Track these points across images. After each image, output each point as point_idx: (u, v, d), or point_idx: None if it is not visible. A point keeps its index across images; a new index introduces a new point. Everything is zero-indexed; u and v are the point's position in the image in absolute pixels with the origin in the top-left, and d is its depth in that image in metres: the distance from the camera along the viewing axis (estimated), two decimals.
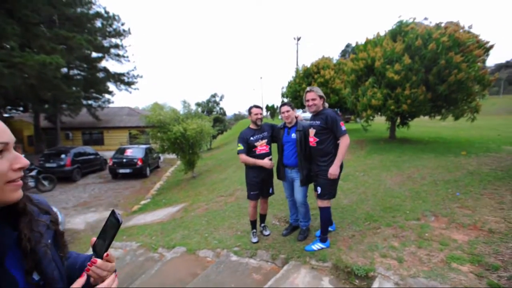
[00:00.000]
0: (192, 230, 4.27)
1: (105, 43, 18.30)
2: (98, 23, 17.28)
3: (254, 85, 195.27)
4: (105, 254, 0.70)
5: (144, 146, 12.34)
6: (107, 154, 14.61)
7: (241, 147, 3.11)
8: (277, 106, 34.23)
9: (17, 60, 10.49)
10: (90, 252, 0.80)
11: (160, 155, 13.75)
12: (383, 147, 7.25)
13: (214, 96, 29.39)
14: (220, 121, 25.36)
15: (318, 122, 2.76)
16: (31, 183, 8.54)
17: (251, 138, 3.12)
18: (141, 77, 21.28)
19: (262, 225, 3.52)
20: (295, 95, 13.54)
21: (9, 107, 18.74)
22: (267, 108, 36.83)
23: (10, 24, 10.66)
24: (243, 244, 3.33)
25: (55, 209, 4.81)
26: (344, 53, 52.36)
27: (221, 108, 29.77)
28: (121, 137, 22.36)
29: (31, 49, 12.59)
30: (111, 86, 20.66)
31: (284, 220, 3.85)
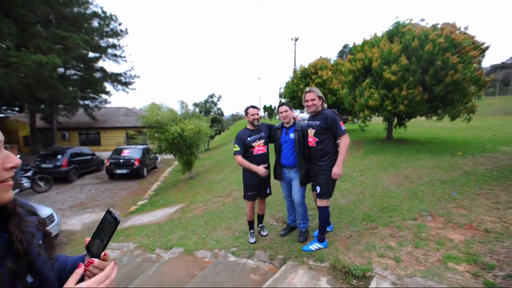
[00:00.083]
0: (189, 230, 4.25)
1: (102, 43, 18.20)
2: (95, 23, 17.18)
3: (251, 86, 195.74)
4: (102, 254, 0.68)
5: (142, 147, 12.30)
6: (104, 154, 14.54)
7: (237, 148, 3.10)
8: (274, 107, 34.28)
9: (13, 60, 10.40)
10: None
11: (157, 155, 13.71)
12: (380, 147, 7.29)
13: (211, 96, 29.39)
14: (218, 122, 25.36)
15: (317, 122, 2.77)
16: (27, 184, 8.47)
17: (248, 139, 3.11)
18: (139, 77, 21.19)
19: (260, 225, 3.52)
20: (292, 96, 13.57)
21: (4, 107, 18.58)
22: (265, 108, 36.85)
23: (6, 23, 10.57)
24: (241, 244, 3.33)
25: (51, 210, 4.73)
26: (341, 54, 52.58)
27: (218, 109, 29.77)
28: (118, 138, 22.22)
29: (28, 49, 12.47)
30: (108, 86, 20.55)
31: (282, 220, 3.85)
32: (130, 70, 20.80)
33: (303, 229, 3.18)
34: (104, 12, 17.11)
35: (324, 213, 2.83)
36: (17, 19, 11.67)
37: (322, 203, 2.81)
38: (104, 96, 21.06)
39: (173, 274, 2.99)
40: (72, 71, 18.86)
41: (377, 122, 9.16)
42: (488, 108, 24.24)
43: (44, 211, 4.84)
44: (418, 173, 4.65)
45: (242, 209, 4.50)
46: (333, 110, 3.02)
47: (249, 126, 3.20)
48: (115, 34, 18.52)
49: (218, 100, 29.60)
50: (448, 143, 7.19)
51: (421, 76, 6.24)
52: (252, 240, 3.31)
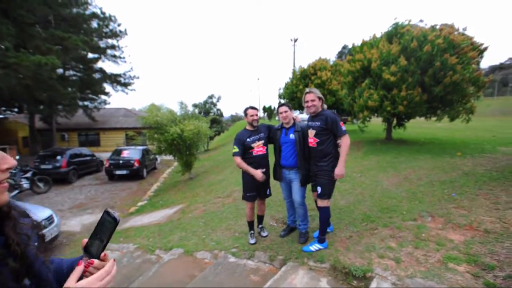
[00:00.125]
0: (189, 231, 4.25)
1: (101, 43, 18.16)
2: (94, 24, 17.16)
3: (251, 86, 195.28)
4: (102, 254, 0.67)
5: (141, 148, 12.27)
6: (104, 155, 14.51)
7: (236, 149, 3.10)
8: (274, 107, 34.32)
9: (12, 61, 10.38)
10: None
11: (157, 156, 13.67)
12: (379, 148, 7.30)
13: (211, 97, 29.45)
14: (217, 122, 25.36)
15: (318, 123, 2.77)
16: (26, 185, 8.44)
17: (248, 140, 3.11)
18: (138, 78, 21.18)
19: (260, 226, 3.52)
20: (292, 96, 13.58)
21: (3, 108, 18.52)
22: (264, 109, 36.88)
23: (5, 24, 10.55)
24: (241, 245, 3.32)
25: (50, 211, 4.71)
26: (340, 55, 52.63)
27: (218, 109, 29.83)
28: (117, 139, 22.18)
29: (27, 50, 12.45)
30: (107, 87, 20.53)
31: (282, 221, 3.85)
32: (129, 71, 20.80)
33: (303, 230, 3.18)
34: (103, 13, 17.10)
35: (324, 213, 2.83)
36: (16, 19, 11.65)
37: (323, 203, 2.81)
38: (103, 97, 21.05)
39: (173, 275, 2.99)
40: (71, 72, 18.85)
41: (376, 123, 9.18)
42: (487, 109, 24.31)
43: (44, 212, 4.83)
44: (417, 174, 4.66)
45: (242, 210, 4.50)
46: (333, 110, 3.03)
47: (248, 127, 3.20)
48: (114, 34, 18.50)
49: (218, 101, 29.68)
50: (448, 144, 7.21)
51: (420, 77, 6.26)
52: (252, 241, 3.31)
